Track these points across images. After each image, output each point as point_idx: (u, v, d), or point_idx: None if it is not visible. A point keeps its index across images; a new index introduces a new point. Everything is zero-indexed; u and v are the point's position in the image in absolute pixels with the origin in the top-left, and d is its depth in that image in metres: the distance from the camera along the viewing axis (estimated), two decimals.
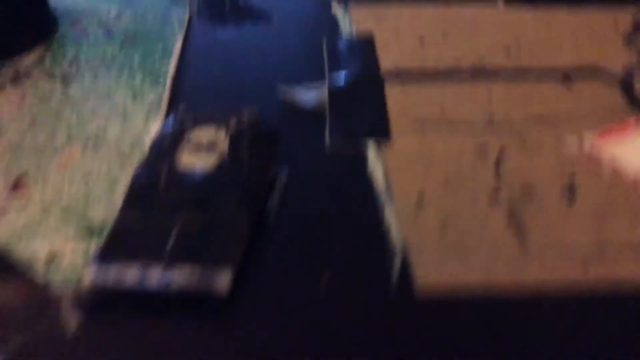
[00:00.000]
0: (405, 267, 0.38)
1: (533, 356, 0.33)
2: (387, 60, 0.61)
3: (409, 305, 0.36)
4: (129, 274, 0.36)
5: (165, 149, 0.45)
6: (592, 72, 0.59)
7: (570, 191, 0.44)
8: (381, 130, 0.50)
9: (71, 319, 0.35)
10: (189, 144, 0.45)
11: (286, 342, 0.34)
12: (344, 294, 0.37)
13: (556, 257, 0.39)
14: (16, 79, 0.57)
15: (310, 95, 0.54)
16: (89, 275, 0.36)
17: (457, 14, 0.70)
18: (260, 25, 0.68)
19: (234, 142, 0.45)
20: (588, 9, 0.69)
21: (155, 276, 0.35)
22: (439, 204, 0.43)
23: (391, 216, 0.41)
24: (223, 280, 0.35)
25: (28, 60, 0.60)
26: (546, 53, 0.62)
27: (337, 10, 0.71)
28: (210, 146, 0.45)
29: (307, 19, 0.71)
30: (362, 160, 0.47)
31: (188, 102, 0.52)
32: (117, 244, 0.38)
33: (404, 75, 0.59)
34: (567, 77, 0.58)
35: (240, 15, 0.70)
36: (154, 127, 0.49)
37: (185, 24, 0.66)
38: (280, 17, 0.70)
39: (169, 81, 0.55)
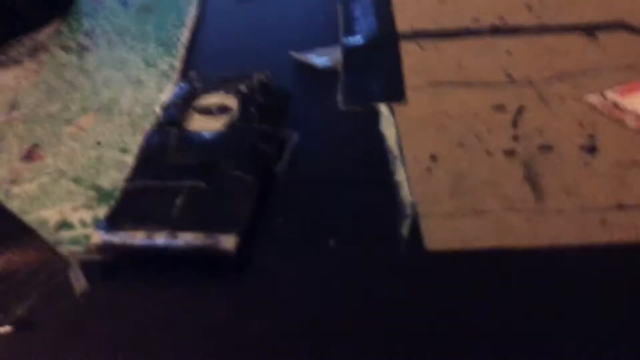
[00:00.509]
0: (416, 225, 0.37)
1: (547, 311, 0.32)
2: (404, 20, 0.59)
3: (418, 261, 0.35)
4: (136, 237, 0.36)
5: (175, 114, 0.45)
6: (617, 27, 0.56)
7: (590, 146, 0.42)
8: (395, 92, 0.49)
9: (79, 281, 0.35)
10: (199, 108, 0.45)
11: (297, 298, 0.34)
12: (353, 251, 0.36)
13: (574, 214, 0.37)
14: (33, 53, 0.57)
15: (324, 57, 0.53)
16: (97, 238, 0.36)
17: None
18: None
19: (244, 105, 0.45)
20: None
21: (161, 239, 0.35)
22: (452, 164, 0.42)
23: (402, 176, 0.40)
24: (229, 240, 0.35)
25: (45, 33, 0.60)
26: (569, 8, 0.59)
27: None
28: (221, 110, 0.45)
29: None
30: (374, 120, 0.46)
31: (201, 70, 0.52)
32: (126, 209, 0.38)
33: (420, 35, 0.57)
34: (591, 32, 0.55)
35: None
36: (166, 96, 0.49)
37: None
38: None
39: (181, 50, 0.55)
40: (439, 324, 0.32)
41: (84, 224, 0.38)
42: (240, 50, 0.57)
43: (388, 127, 0.45)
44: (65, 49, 0.57)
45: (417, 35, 0.57)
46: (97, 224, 0.37)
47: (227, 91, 0.46)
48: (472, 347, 0.31)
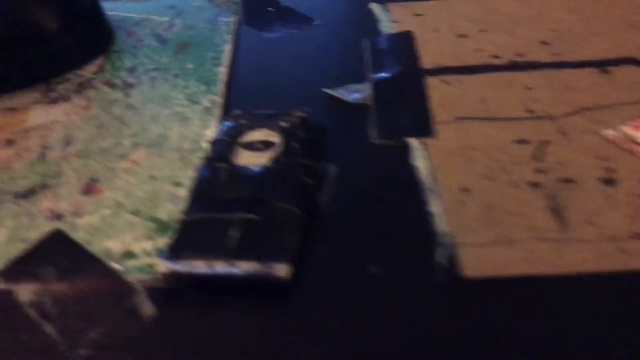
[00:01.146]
0: (451, 254, 0.40)
1: (570, 337, 0.35)
2: (427, 56, 0.63)
3: (456, 289, 0.38)
4: (198, 266, 0.39)
5: (223, 150, 0.49)
6: (628, 63, 0.60)
7: (609, 179, 0.46)
8: (424, 128, 0.53)
9: (147, 308, 0.38)
10: (244, 144, 0.49)
11: (341, 322, 0.37)
12: (393, 279, 0.39)
13: (595, 243, 0.41)
14: (80, 89, 0.61)
15: (355, 93, 0.57)
16: (163, 267, 0.39)
17: (493, 6, 0.72)
18: (302, 28, 0.71)
19: (286, 140, 0.49)
20: None
21: (221, 268, 0.39)
22: (481, 195, 0.45)
23: (436, 207, 0.44)
24: (283, 268, 0.39)
25: (89, 70, 0.64)
26: (582, 44, 0.63)
27: (375, 7, 0.73)
28: (265, 145, 0.49)
29: (346, 19, 0.74)
30: (406, 153, 0.50)
31: (240, 106, 0.56)
32: (185, 240, 0.41)
33: (444, 71, 0.61)
34: (603, 67, 0.59)
35: (283, 19, 0.73)
36: (211, 131, 0.53)
37: (233, 32, 0.69)
38: (321, 18, 0.72)
39: (221, 87, 0.59)
40: (475, 342, 0.35)
41: (146, 253, 0.42)
42: (274, 86, 0.61)
43: (420, 160, 0.49)
44: (111, 85, 0.61)
45: (441, 71, 0.61)
46: (162, 253, 0.40)
47: (270, 127, 0.50)
48: None
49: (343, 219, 0.45)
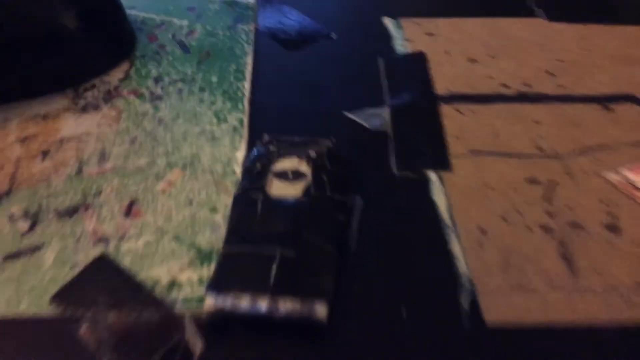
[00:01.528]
0: (474, 299, 0.45)
1: None
2: (440, 81, 0.67)
3: (479, 337, 0.43)
4: (242, 302, 0.43)
5: (255, 178, 0.52)
6: (629, 100, 0.64)
7: (613, 225, 0.50)
8: (441, 160, 0.56)
9: (196, 340, 0.42)
10: (276, 173, 0.52)
11: None
12: (419, 321, 0.44)
13: (603, 293, 0.45)
14: (108, 97, 0.63)
15: (375, 119, 0.60)
16: (209, 303, 0.43)
17: (501, 28, 0.75)
18: (318, 41, 0.73)
19: (316, 171, 0.52)
20: (632, 26, 0.74)
21: (264, 305, 0.43)
22: (499, 238, 0.49)
23: (456, 247, 0.48)
24: (321, 310, 0.42)
25: (115, 77, 0.66)
26: (585, 77, 0.67)
27: (388, 22, 0.76)
28: (295, 175, 0.52)
29: (361, 33, 0.76)
30: (425, 187, 0.54)
31: (263, 124, 0.59)
32: (227, 275, 0.45)
33: (457, 99, 0.64)
34: (605, 104, 0.63)
35: (300, 31, 0.75)
36: (241, 154, 0.56)
37: (252, 42, 0.71)
38: (336, 31, 0.75)
39: (246, 104, 0.62)
40: None
41: (191, 283, 0.45)
42: (294, 104, 0.64)
43: (439, 196, 0.53)
44: (138, 95, 0.63)
45: (454, 98, 0.65)
46: (208, 288, 0.44)
47: (299, 156, 0.53)
48: None
49: (370, 255, 0.48)
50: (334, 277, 0.45)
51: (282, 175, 0.52)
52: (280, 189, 0.51)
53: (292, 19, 0.77)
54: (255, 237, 0.48)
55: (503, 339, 0.43)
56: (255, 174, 0.53)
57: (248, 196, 0.51)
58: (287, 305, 0.43)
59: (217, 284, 0.44)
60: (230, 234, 0.48)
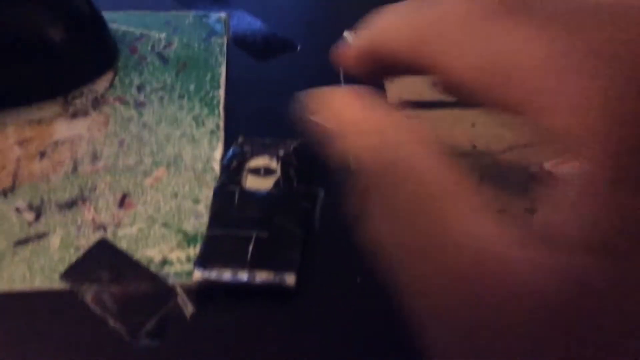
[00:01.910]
0: None
1: None
2: (392, 91, 0.76)
3: None
4: (225, 274, 0.52)
5: (232, 174, 0.61)
6: None
7: (532, 209, 0.61)
8: None
9: (187, 305, 0.51)
10: (250, 170, 0.61)
11: (336, 321, 0.51)
12: (373, 286, 0.53)
13: None
14: (96, 105, 0.71)
15: None
16: (197, 275, 0.52)
17: None
18: (286, 52, 0.82)
19: (284, 167, 0.61)
20: None
21: (244, 276, 0.52)
22: None
23: None
24: (290, 279, 0.52)
25: (101, 85, 0.74)
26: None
27: (348, 37, 0.85)
28: (267, 171, 0.61)
29: (326, 45, 0.85)
30: None
31: (238, 128, 0.67)
32: (211, 253, 0.53)
33: (406, 107, 0.74)
34: None
35: (268, 44, 0.84)
36: (218, 153, 0.64)
37: (225, 55, 0.80)
38: (303, 44, 0.84)
39: (221, 110, 0.70)
40: None
41: (180, 261, 0.54)
42: (265, 110, 0.72)
43: None
44: (123, 102, 0.71)
45: (404, 106, 0.75)
46: (195, 264, 0.52)
47: (270, 155, 0.62)
48: None
49: (332, 235, 0.58)
50: (300, 253, 0.54)
51: (255, 172, 0.61)
52: (254, 183, 0.60)
53: (261, 31, 0.86)
54: (233, 222, 0.57)
55: None
56: (231, 170, 0.61)
57: (226, 189, 0.59)
58: (262, 276, 0.52)
59: (203, 261, 0.53)
60: (212, 220, 0.57)
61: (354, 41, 0.32)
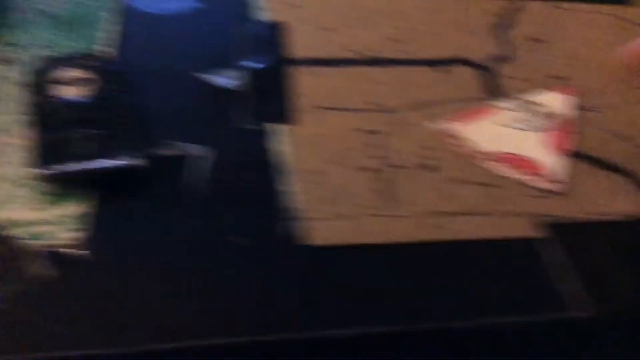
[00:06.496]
0: (303, 227, 0.51)
1: (391, 293, 0.47)
2: (295, 47, 0.72)
3: (303, 254, 0.49)
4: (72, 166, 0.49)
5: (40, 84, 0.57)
6: (462, 62, 0.72)
7: (432, 166, 0.58)
8: (287, 114, 0.62)
9: (44, 268, 0.46)
10: (59, 81, 0.58)
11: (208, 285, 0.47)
12: (253, 247, 0.49)
13: (416, 219, 0.53)
14: None
15: (227, 79, 0.66)
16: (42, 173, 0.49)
17: (359, 1, 0.82)
18: (184, 9, 0.77)
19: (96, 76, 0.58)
20: None
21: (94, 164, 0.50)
22: (332, 178, 0.56)
23: (292, 187, 0.54)
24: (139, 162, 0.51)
25: None
26: (428, 43, 0.75)
27: None
28: (79, 81, 0.58)
29: (228, 3, 0.81)
30: (271, 139, 0.59)
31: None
32: (45, 154, 0.50)
33: (312, 63, 0.70)
34: (439, 66, 0.71)
35: (166, 4, 0.79)
36: None
37: (119, 10, 0.75)
38: (207, 6, 0.79)
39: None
40: (319, 298, 0.46)
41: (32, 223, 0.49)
42: (152, 68, 0.68)
43: (282, 145, 0.59)
44: (5, 61, 0.65)
45: (306, 62, 0.71)
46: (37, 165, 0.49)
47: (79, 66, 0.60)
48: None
49: (213, 197, 0.54)
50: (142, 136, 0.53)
51: (65, 81, 0.58)
52: (66, 92, 0.57)
53: None
54: (54, 126, 0.54)
55: (325, 255, 0.49)
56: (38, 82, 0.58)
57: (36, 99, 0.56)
58: (112, 162, 0.51)
59: (43, 161, 0.50)
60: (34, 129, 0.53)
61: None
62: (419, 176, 0.56)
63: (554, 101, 0.66)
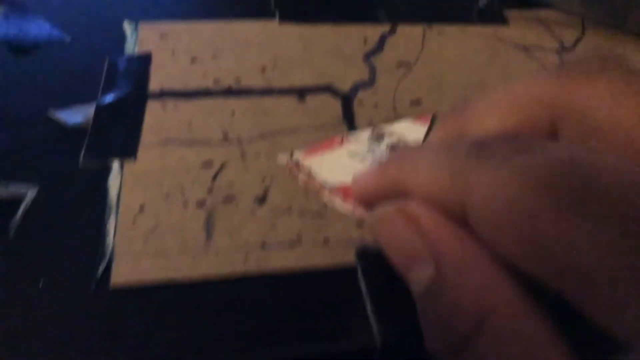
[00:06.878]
0: (109, 266, 0.50)
1: (206, 332, 0.47)
2: (156, 79, 0.72)
3: (103, 297, 0.48)
4: None
5: None
6: (327, 90, 0.72)
7: (262, 197, 0.58)
8: (128, 149, 0.62)
9: None
10: None
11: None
12: (54, 291, 0.49)
13: (227, 251, 0.52)
14: None
15: (77, 115, 0.65)
16: None
17: (233, 31, 0.81)
18: (51, 47, 0.77)
19: None
20: (354, 25, 0.83)
21: None
22: (154, 214, 0.55)
23: (111, 225, 0.53)
24: None
25: None
26: (294, 72, 0.75)
27: (127, 26, 0.81)
28: None
29: (98, 36, 0.80)
30: (106, 174, 0.59)
31: None
32: None
33: (167, 94, 0.70)
34: (302, 94, 0.71)
35: (34, 39, 0.78)
36: None
37: None
38: (75, 36, 0.79)
39: None
40: (116, 341, 0.46)
41: None
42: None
43: (114, 182, 0.58)
44: None
45: (164, 94, 0.70)
46: None
47: None
48: None
49: (32, 240, 0.53)
50: None
51: None
52: None
53: (32, 26, 0.80)
54: None
55: (125, 297, 0.48)
56: None
57: None
58: None
59: None
60: None
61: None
62: (244, 208, 0.55)
63: (405, 130, 0.66)
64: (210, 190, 0.57)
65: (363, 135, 0.66)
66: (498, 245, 0.22)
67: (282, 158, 0.61)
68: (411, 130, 0.67)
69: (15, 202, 0.54)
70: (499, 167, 0.22)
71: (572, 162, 0.21)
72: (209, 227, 0.53)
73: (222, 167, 0.60)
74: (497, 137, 0.26)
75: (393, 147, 0.64)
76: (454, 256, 0.24)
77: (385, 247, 0.30)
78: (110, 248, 0.51)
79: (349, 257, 0.53)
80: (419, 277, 0.25)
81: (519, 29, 0.86)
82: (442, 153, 0.28)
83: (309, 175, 0.58)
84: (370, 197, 0.43)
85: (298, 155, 0.61)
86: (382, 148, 0.64)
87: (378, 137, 0.65)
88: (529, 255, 0.21)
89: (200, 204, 0.56)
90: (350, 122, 0.68)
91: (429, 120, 0.68)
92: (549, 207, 0.20)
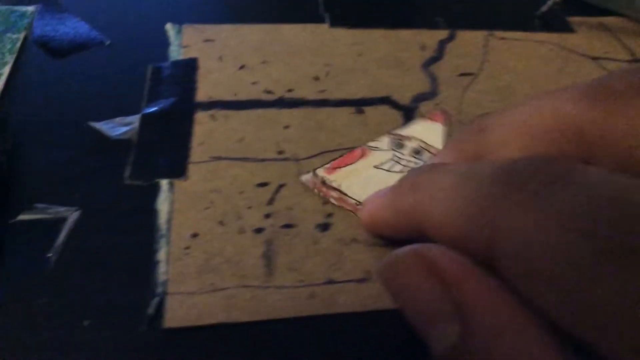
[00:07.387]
0: (162, 303, 0.45)
1: None
2: (203, 88, 0.67)
3: (155, 340, 0.43)
4: None
5: None
6: (385, 101, 0.67)
7: (325, 224, 0.52)
8: (178, 167, 0.57)
9: None
10: None
11: None
12: (101, 331, 0.44)
13: (291, 289, 0.47)
14: None
15: (120, 126, 0.60)
16: None
17: (281, 35, 0.76)
18: (91, 49, 0.72)
19: None
20: (409, 30, 0.77)
21: None
22: (208, 242, 0.50)
23: (163, 255, 0.48)
24: None
25: None
26: (349, 81, 0.69)
27: (169, 29, 0.76)
28: None
29: (140, 40, 0.75)
30: (154, 194, 0.54)
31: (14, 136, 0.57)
32: None
33: (216, 106, 0.65)
34: (360, 106, 0.66)
35: (73, 40, 0.74)
36: None
37: (17, 50, 0.69)
38: (113, 38, 0.74)
39: None
40: None
41: None
42: (48, 115, 0.62)
43: (163, 203, 0.53)
44: None
45: (213, 105, 0.65)
46: None
47: None
48: None
49: (73, 267, 0.48)
50: None
51: None
52: None
53: (68, 27, 0.76)
54: None
55: (181, 340, 0.43)
56: None
57: None
58: None
59: None
60: None
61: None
62: (306, 237, 0.50)
63: (423, 131, 0.60)
64: (267, 215, 0.52)
65: (382, 144, 0.61)
66: (529, 293, 0.19)
67: (306, 178, 0.56)
68: (429, 131, 0.61)
69: (55, 227, 0.49)
70: (533, 204, 0.20)
71: (619, 198, 0.18)
72: (269, 258, 0.48)
73: (279, 189, 0.54)
74: (526, 162, 0.22)
75: (417, 151, 0.59)
76: (484, 312, 0.20)
77: (400, 300, 0.25)
78: (162, 281, 0.45)
79: None
80: (440, 335, 0.21)
81: (585, 37, 0.80)
82: (463, 181, 0.25)
83: (340, 193, 0.53)
84: (379, 229, 0.42)
85: (321, 173, 0.56)
86: (406, 154, 0.59)
87: (398, 144, 0.60)
88: (567, 308, 0.18)
89: (258, 230, 0.50)
90: None
91: (442, 117, 0.63)
92: (594, 255, 0.17)
